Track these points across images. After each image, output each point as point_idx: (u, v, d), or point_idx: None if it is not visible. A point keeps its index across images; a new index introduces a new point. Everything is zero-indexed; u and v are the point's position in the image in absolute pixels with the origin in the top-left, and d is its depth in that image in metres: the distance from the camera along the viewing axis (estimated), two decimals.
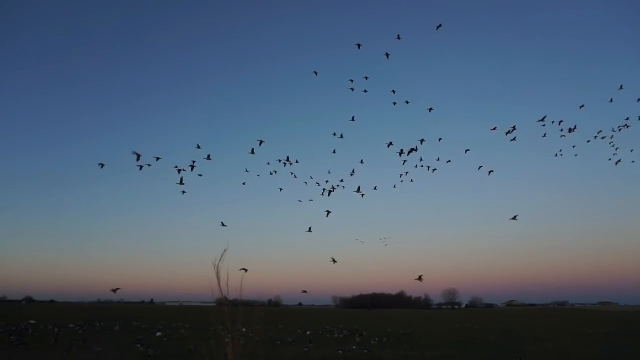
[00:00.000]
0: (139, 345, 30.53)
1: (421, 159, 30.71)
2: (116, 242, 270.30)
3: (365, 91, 29.14)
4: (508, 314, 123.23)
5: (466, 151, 33.06)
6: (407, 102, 31.02)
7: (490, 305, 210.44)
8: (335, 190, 28.33)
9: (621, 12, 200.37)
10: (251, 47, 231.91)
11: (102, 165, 24.73)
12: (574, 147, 34.34)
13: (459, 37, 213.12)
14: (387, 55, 28.27)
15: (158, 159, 22.45)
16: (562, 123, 30.65)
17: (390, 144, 28.51)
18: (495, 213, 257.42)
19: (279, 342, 36.52)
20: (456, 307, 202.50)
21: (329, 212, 28.98)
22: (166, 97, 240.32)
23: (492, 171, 34.08)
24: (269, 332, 43.85)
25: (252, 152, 25.31)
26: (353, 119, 30.55)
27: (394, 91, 30.35)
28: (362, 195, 27.90)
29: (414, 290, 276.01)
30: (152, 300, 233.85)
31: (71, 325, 47.95)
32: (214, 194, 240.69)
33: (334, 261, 21.76)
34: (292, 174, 30.21)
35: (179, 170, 23.12)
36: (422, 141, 29.38)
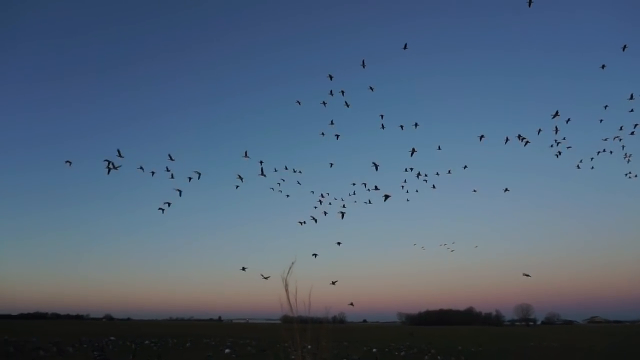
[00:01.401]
0: None
1: (418, 174, 31.03)
2: (185, 262, 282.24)
3: (347, 105, 29.08)
4: (590, 331, 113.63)
5: (464, 167, 33.46)
6: (402, 127, 31.03)
7: (569, 322, 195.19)
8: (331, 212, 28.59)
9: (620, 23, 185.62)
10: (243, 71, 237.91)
11: (70, 163, 25.22)
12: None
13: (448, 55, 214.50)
14: (372, 88, 29.45)
15: (119, 153, 23.07)
16: (558, 132, 29.42)
17: (375, 165, 28.01)
18: (572, 222, 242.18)
19: None
20: (531, 323, 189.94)
21: (339, 243, 29.08)
22: (163, 121, 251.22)
23: (507, 189, 34.62)
24: (334, 349, 43.53)
25: (262, 173, 26.28)
26: (332, 123, 30.41)
27: (382, 115, 30.88)
28: (343, 215, 27.20)
29: (483, 306, 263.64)
30: (219, 317, 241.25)
31: (147, 342, 50.38)
32: (258, 211, 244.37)
33: (333, 283, 21.90)
34: (297, 182, 31.21)
35: (141, 168, 23.86)
36: (412, 152, 28.99)
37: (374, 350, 44.96)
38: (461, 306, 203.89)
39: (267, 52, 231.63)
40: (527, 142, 29.11)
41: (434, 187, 31.87)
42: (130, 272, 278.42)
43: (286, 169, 29.67)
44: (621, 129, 30.17)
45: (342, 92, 28.64)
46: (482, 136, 30.33)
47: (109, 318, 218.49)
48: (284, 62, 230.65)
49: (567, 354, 44.49)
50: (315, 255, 28.99)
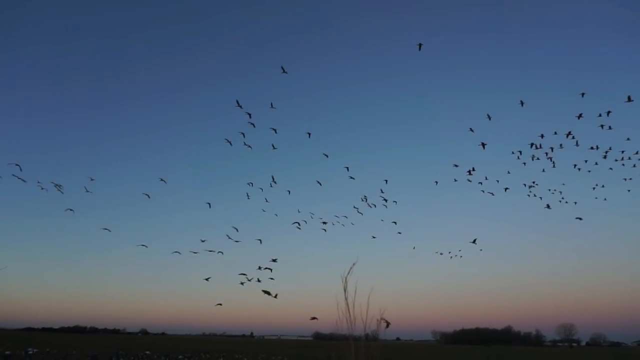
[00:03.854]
0: None
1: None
2: (217, 278, 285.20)
3: (275, 130, 28.59)
4: None
5: (393, 222, 34.94)
6: (349, 171, 32.18)
7: (616, 344, 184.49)
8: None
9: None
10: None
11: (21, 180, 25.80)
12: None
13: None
14: (309, 134, 30.40)
15: (57, 185, 24.72)
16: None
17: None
18: (618, 236, 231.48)
19: None
20: (574, 344, 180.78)
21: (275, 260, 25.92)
22: (154, 138, 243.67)
23: (475, 240, 33.95)
24: None
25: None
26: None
27: (326, 155, 31.59)
28: (275, 260, 24.32)
29: (522, 325, 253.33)
30: (251, 333, 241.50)
31: (180, 357, 50.94)
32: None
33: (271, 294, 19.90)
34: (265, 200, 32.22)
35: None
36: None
37: None
38: (499, 325, 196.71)
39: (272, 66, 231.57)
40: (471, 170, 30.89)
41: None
42: (165, 288, 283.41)
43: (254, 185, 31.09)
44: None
45: (271, 105, 27.51)
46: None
47: (145, 333, 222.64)
48: (289, 78, 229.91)
49: None
50: (207, 279, 26.32)
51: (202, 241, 26.26)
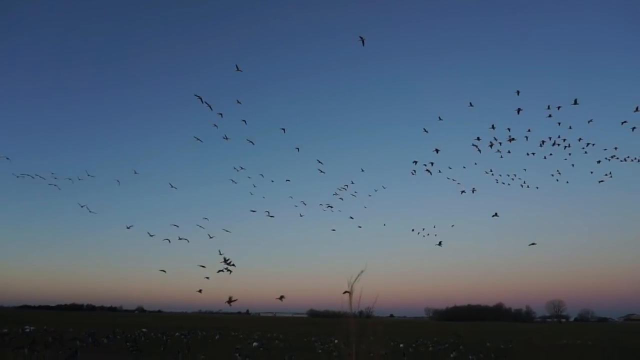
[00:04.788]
0: (237, 354, 31.77)
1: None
2: (212, 257, 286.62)
3: (245, 121, 28.44)
4: (627, 329, 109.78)
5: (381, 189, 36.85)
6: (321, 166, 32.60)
7: (604, 319, 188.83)
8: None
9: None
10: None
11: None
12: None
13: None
14: (284, 129, 30.60)
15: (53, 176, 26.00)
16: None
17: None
18: (607, 214, 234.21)
19: (371, 354, 35.96)
20: (563, 320, 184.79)
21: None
22: (155, 121, 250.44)
23: (496, 214, 34.25)
24: (361, 344, 43.39)
25: None
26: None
27: (297, 148, 33.62)
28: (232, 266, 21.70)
29: (513, 301, 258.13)
30: (247, 310, 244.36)
31: (177, 334, 51.59)
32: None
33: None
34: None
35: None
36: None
37: (401, 345, 44.68)
38: (490, 302, 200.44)
39: (270, 49, 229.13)
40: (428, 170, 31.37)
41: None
42: (161, 267, 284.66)
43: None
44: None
45: (239, 102, 27.98)
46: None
47: (141, 310, 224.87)
48: (282, 62, 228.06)
49: (603, 354, 43.06)
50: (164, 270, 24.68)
51: (174, 225, 26.24)
